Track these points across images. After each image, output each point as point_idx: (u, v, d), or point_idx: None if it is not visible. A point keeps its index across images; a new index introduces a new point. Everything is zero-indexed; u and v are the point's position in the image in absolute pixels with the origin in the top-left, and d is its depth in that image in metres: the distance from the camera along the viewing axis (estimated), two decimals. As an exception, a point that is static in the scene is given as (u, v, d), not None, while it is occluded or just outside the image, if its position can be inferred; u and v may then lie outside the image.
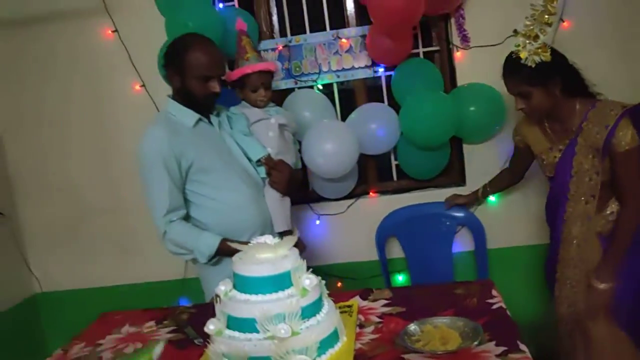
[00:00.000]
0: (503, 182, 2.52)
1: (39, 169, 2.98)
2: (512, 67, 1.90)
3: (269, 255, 1.34)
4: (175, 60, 1.96)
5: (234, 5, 2.81)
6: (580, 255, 1.97)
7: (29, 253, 3.07)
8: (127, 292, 2.94)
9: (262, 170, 2.09)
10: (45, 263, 3.07)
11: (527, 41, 1.75)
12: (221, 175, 1.99)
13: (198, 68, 1.93)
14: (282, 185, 2.07)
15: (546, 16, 1.68)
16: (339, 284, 2.78)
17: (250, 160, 2.10)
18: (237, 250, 1.88)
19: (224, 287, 1.38)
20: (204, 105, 2.00)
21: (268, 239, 1.40)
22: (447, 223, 2.73)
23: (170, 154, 1.89)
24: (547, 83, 1.86)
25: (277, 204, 2.08)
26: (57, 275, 3.06)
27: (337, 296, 1.56)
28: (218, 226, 1.97)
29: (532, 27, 1.71)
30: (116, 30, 2.76)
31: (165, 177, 1.89)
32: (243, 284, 1.34)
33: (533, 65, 1.80)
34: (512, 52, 1.90)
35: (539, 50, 1.74)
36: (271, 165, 2.07)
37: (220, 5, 2.77)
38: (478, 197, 2.57)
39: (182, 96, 2.00)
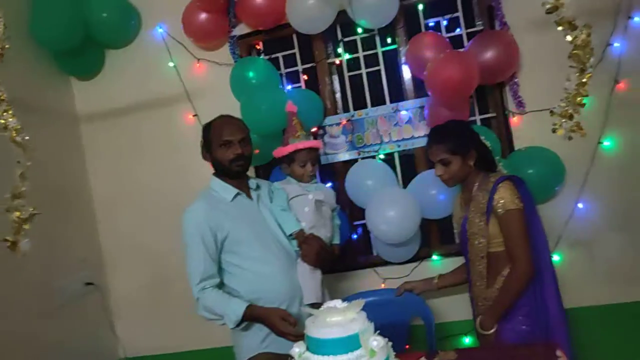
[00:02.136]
0: (457, 276, 2.42)
1: (127, 241, 3.26)
2: (438, 137, 2.17)
3: (338, 318, 1.45)
4: (204, 139, 2.23)
5: (300, 86, 3.06)
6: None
7: (116, 320, 3.31)
8: (209, 356, 3.08)
9: (296, 244, 2.24)
10: (131, 330, 3.29)
11: (563, 120, 1.86)
12: (254, 246, 2.15)
13: (219, 136, 2.17)
14: (312, 259, 2.20)
15: (579, 98, 1.78)
16: (407, 346, 2.81)
17: (285, 234, 2.25)
18: (262, 319, 2.04)
19: (298, 349, 1.49)
20: (233, 170, 2.19)
21: (337, 303, 1.51)
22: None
23: (207, 226, 2.09)
24: (466, 154, 2.13)
25: (307, 277, 2.20)
26: (142, 340, 3.25)
27: (403, 357, 1.63)
28: (249, 294, 2.12)
29: (566, 108, 1.82)
30: (196, 115, 3.08)
31: (201, 247, 2.09)
32: (315, 346, 1.44)
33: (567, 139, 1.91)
34: (436, 125, 2.25)
35: (575, 127, 1.85)
36: (302, 239, 2.22)
37: (289, 87, 3.04)
38: (432, 286, 2.45)
39: (218, 170, 2.23)
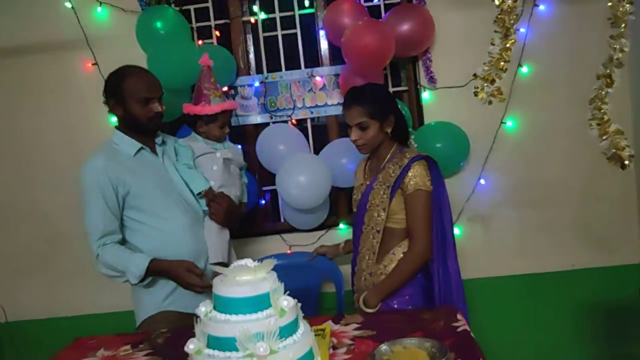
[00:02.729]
0: None
1: (6, 197, 2.99)
2: (358, 98, 2.05)
3: (248, 277, 1.40)
4: (114, 90, 2.06)
5: (212, 42, 2.92)
6: (367, 287, 2.09)
7: (-5, 281, 3.03)
8: (98, 321, 2.92)
9: (204, 203, 2.18)
10: (10, 292, 3.03)
11: (485, 84, 1.91)
12: (158, 202, 2.08)
13: (137, 92, 2.04)
14: (220, 217, 2.16)
15: (502, 63, 1.84)
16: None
17: (192, 192, 2.18)
18: (166, 271, 1.99)
19: (204, 308, 1.42)
20: (149, 127, 2.10)
21: (248, 262, 1.46)
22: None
23: (107, 180, 1.99)
24: (384, 120, 2.05)
25: (213, 236, 2.16)
26: (24, 304, 3.02)
27: (309, 320, 1.61)
28: (153, 252, 2.04)
29: (489, 72, 1.87)
30: (96, 63, 2.84)
31: (101, 202, 1.99)
32: (224, 305, 1.38)
33: (487, 104, 1.95)
34: (355, 86, 2.13)
35: (495, 92, 1.90)
36: (210, 197, 2.16)
37: (200, 42, 2.88)
38: (340, 252, 2.50)
39: (127, 124, 2.10)
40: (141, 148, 2.11)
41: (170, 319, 2.03)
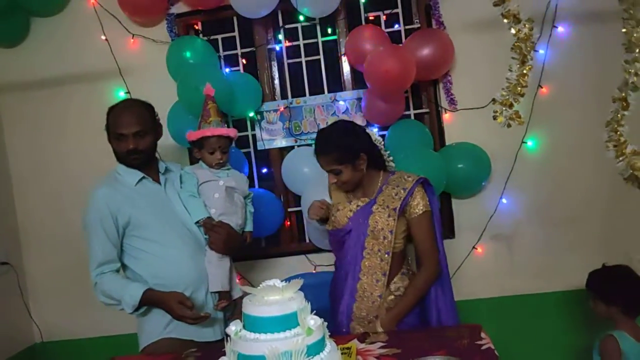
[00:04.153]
0: None
1: (46, 221, 3.10)
2: (324, 149, 2.08)
3: (276, 297, 1.46)
4: (106, 125, 2.12)
5: (239, 70, 3.03)
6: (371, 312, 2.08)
7: (32, 303, 3.15)
8: (131, 341, 2.96)
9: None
10: (47, 313, 3.14)
11: (504, 108, 1.96)
12: (158, 231, 2.09)
13: (112, 128, 2.07)
14: (219, 246, 2.15)
15: (519, 88, 1.89)
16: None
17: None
18: (158, 303, 2.00)
19: (234, 327, 1.48)
20: (128, 162, 2.11)
21: (276, 282, 1.52)
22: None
23: (107, 211, 2.03)
24: (355, 162, 2.07)
25: (213, 264, 2.16)
26: (58, 325, 3.12)
27: (337, 338, 1.66)
28: (153, 278, 2.06)
29: (507, 97, 1.92)
30: (128, 92, 2.97)
31: (101, 232, 2.03)
32: (252, 324, 1.43)
33: (505, 127, 1.98)
34: (321, 130, 2.15)
35: (514, 116, 1.95)
36: (209, 227, 2.16)
37: (227, 70, 2.99)
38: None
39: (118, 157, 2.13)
40: (143, 177, 2.13)
41: (172, 346, 2.04)
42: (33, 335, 3.15)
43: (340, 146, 2.04)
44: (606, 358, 2.23)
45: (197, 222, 2.17)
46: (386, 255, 2.07)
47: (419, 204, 2.05)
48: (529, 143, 2.83)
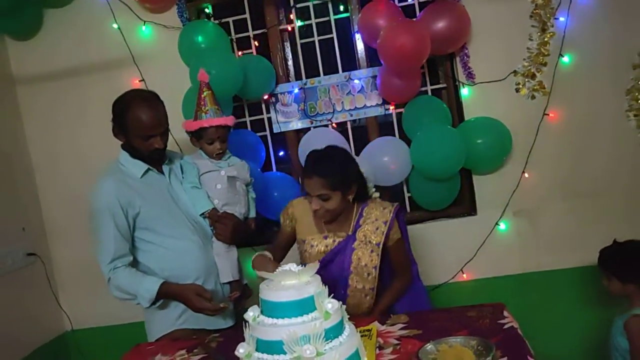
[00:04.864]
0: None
1: (69, 211, 3.13)
2: (319, 169, 1.95)
3: (293, 281, 1.45)
4: (118, 119, 2.04)
5: (251, 52, 3.00)
6: None
7: (60, 292, 3.21)
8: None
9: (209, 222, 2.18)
10: (75, 302, 3.20)
11: (526, 79, 1.89)
12: (166, 222, 2.08)
13: (140, 128, 2.00)
14: (227, 237, 2.15)
15: (541, 57, 1.82)
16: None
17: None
18: (176, 295, 2.00)
19: (252, 313, 1.48)
20: (150, 159, 2.09)
21: (292, 266, 1.51)
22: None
23: (117, 204, 1.98)
24: (347, 190, 1.98)
25: (222, 256, 2.16)
26: (87, 313, 3.18)
27: (356, 321, 1.65)
28: (163, 271, 2.06)
29: (529, 67, 1.85)
30: (143, 80, 2.96)
31: (111, 226, 1.98)
32: (270, 309, 1.43)
33: (526, 99, 1.91)
34: (315, 152, 2.03)
35: (538, 86, 1.88)
36: (215, 218, 2.15)
37: (240, 53, 2.97)
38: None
39: (129, 151, 2.10)
40: (148, 169, 2.10)
41: (185, 336, 2.04)
42: (63, 324, 3.21)
43: (337, 172, 1.94)
44: (636, 339, 2.18)
45: (202, 214, 2.16)
46: (371, 291, 2.05)
47: (396, 232, 2.06)
48: (551, 115, 2.74)
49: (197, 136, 2.20)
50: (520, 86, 1.96)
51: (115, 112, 2.06)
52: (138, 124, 2.00)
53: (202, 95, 2.19)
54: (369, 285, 2.04)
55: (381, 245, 2.02)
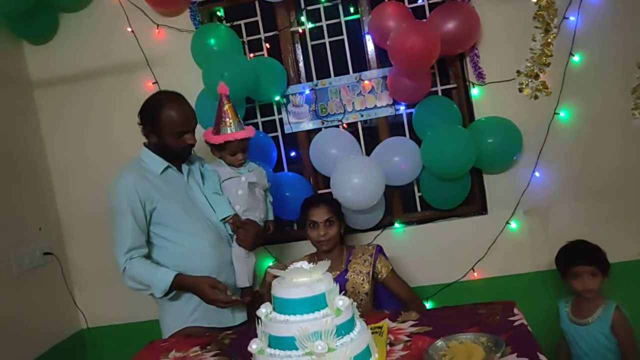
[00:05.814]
0: None
1: (85, 211, 3.18)
2: (323, 199, 2.47)
3: (305, 279, 1.48)
4: (150, 119, 2.11)
5: (263, 54, 3.03)
6: None
7: (76, 291, 3.26)
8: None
9: (229, 227, 2.23)
10: (91, 300, 3.25)
11: (529, 80, 1.90)
12: (181, 219, 2.14)
13: (173, 125, 2.09)
14: (249, 243, 2.21)
15: (544, 58, 1.84)
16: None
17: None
18: (190, 287, 2.05)
19: (264, 310, 1.51)
20: (181, 156, 2.18)
21: (304, 264, 1.53)
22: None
23: (136, 197, 2.05)
24: (342, 222, 2.43)
25: (241, 261, 2.23)
26: (102, 311, 3.23)
27: (367, 318, 1.68)
28: (176, 268, 2.09)
29: (532, 68, 1.87)
30: (156, 82, 3.01)
31: (130, 217, 2.05)
32: (282, 306, 1.46)
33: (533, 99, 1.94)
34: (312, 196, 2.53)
35: (540, 87, 1.89)
36: (238, 224, 2.20)
37: (251, 55, 3.00)
38: None
39: (159, 149, 2.16)
40: (168, 167, 2.17)
41: (196, 334, 2.07)
42: (79, 322, 3.26)
43: (337, 204, 2.46)
44: (624, 329, 2.34)
45: (223, 220, 2.22)
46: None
47: (383, 266, 2.40)
48: (561, 114, 2.75)
49: (220, 148, 2.26)
50: (524, 86, 1.97)
51: (146, 113, 2.13)
52: (172, 121, 2.09)
53: (224, 108, 2.24)
54: (364, 311, 2.09)
55: (371, 274, 2.37)
